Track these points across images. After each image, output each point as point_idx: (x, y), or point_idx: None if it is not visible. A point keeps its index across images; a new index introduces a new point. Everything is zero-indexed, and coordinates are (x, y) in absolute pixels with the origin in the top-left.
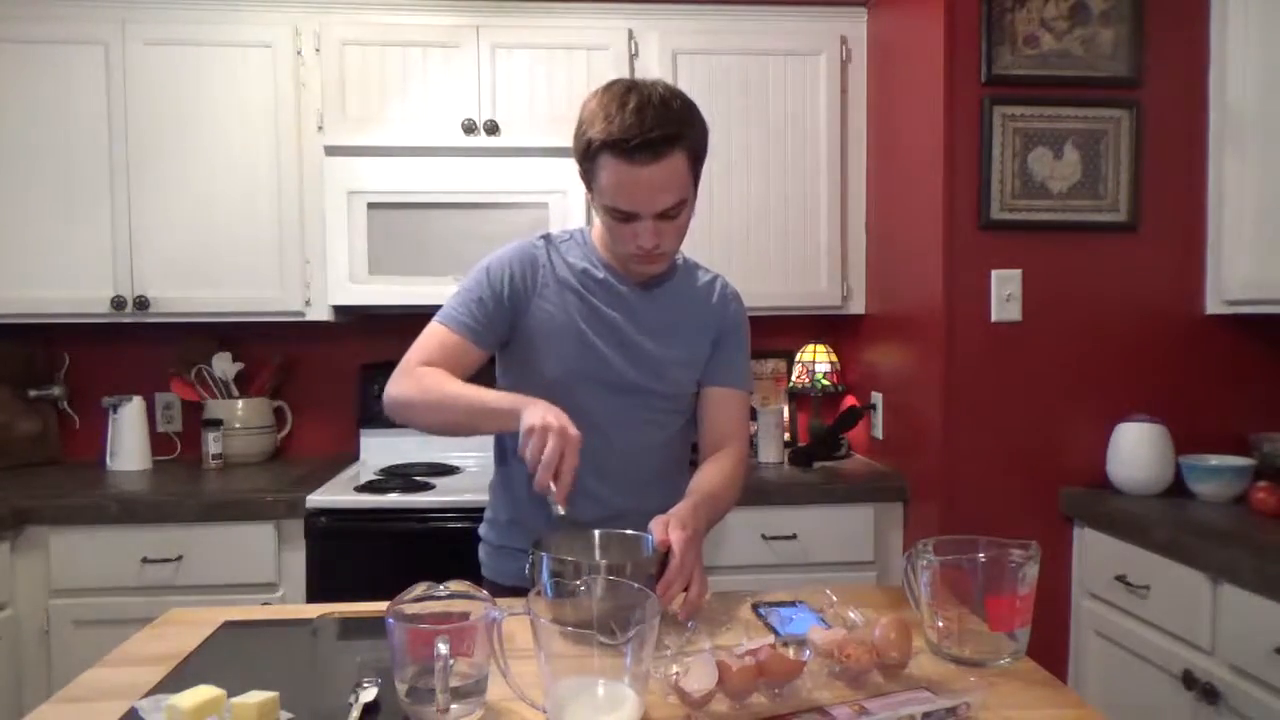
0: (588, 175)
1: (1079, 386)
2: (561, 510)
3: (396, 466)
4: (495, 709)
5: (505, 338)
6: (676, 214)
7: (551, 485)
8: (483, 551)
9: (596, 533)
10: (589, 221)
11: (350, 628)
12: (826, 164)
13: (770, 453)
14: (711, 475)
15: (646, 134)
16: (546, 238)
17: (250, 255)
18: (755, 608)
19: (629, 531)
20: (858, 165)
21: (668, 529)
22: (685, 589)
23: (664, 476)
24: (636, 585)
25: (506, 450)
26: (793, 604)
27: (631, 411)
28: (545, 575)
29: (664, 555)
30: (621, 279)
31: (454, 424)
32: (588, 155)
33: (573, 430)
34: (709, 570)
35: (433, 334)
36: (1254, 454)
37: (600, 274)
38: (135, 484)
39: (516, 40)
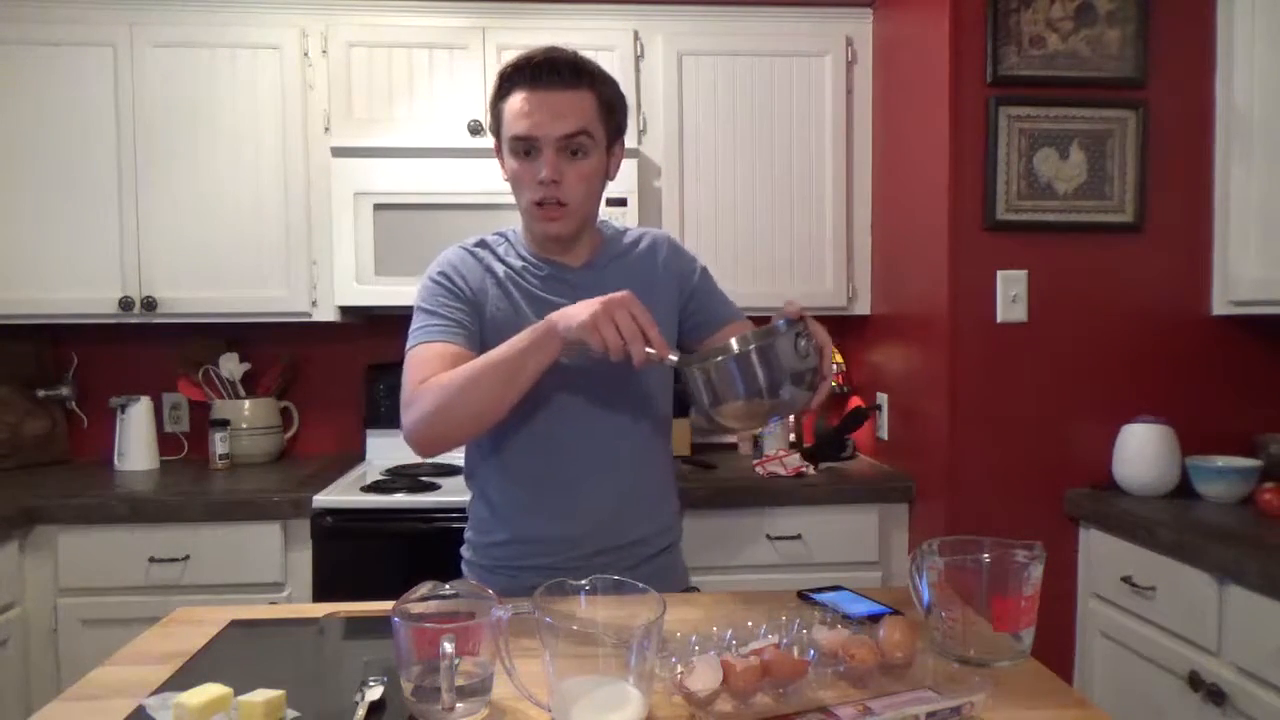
0: (497, 122)
1: (1085, 387)
2: (674, 357)
3: (402, 467)
4: (500, 708)
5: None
6: (580, 151)
7: (649, 350)
8: (472, 574)
9: (734, 340)
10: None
11: (356, 627)
12: (832, 165)
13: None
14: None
15: (554, 62)
16: (479, 243)
17: (257, 256)
18: (802, 595)
19: (763, 326)
20: (863, 166)
21: (793, 304)
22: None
23: (649, 473)
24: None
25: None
26: (834, 589)
27: (606, 400)
28: (701, 384)
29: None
30: (562, 266)
31: (496, 396)
32: (496, 99)
33: (623, 293)
34: (712, 570)
35: (421, 355)
36: (1260, 455)
37: (539, 266)
38: (143, 484)
39: (522, 42)
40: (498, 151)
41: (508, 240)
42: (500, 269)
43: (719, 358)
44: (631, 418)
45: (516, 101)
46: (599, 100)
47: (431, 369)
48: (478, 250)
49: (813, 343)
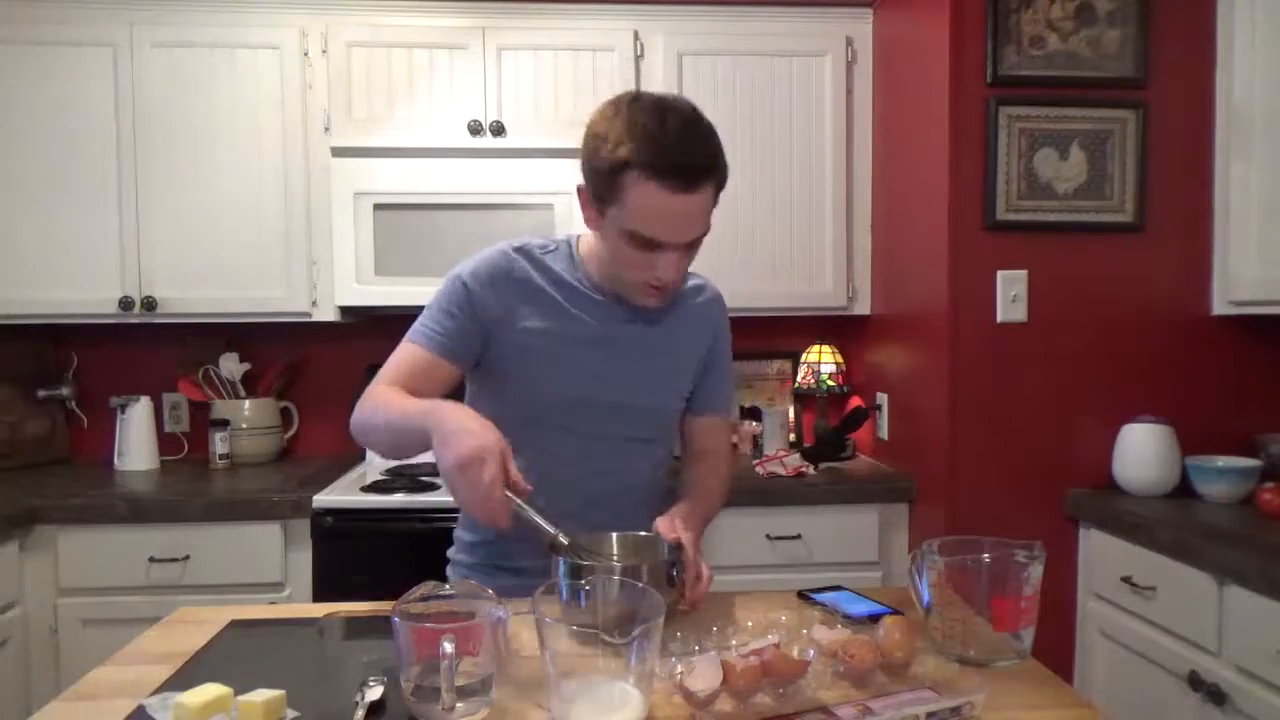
0: (607, 194)
1: (1085, 387)
2: (563, 539)
3: (402, 467)
4: (500, 708)
5: (478, 353)
6: (696, 245)
7: (536, 519)
8: (456, 573)
9: (614, 535)
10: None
11: (356, 627)
12: (832, 165)
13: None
14: (704, 477)
15: (691, 159)
16: (521, 249)
17: (257, 256)
18: (802, 595)
19: (643, 533)
20: (863, 166)
21: (674, 526)
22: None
23: (650, 503)
24: (648, 585)
25: None
26: (834, 589)
27: (619, 432)
28: (563, 578)
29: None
30: (611, 295)
31: (391, 446)
32: (613, 173)
33: (491, 440)
34: (712, 570)
35: (401, 352)
36: (1260, 455)
37: (586, 290)
38: (143, 484)
39: (522, 42)
40: (594, 210)
41: (559, 252)
42: (541, 281)
43: (591, 563)
44: (641, 427)
45: (644, 197)
46: (716, 186)
47: (396, 369)
48: (517, 257)
49: (682, 571)
